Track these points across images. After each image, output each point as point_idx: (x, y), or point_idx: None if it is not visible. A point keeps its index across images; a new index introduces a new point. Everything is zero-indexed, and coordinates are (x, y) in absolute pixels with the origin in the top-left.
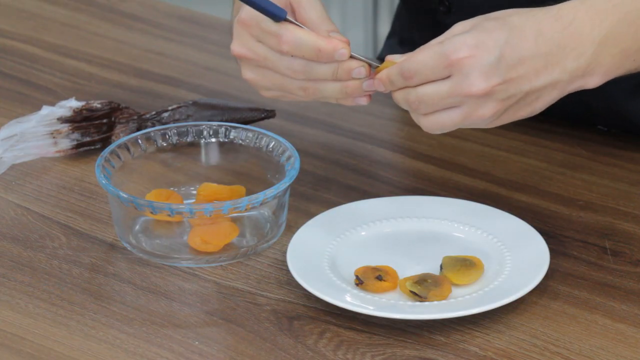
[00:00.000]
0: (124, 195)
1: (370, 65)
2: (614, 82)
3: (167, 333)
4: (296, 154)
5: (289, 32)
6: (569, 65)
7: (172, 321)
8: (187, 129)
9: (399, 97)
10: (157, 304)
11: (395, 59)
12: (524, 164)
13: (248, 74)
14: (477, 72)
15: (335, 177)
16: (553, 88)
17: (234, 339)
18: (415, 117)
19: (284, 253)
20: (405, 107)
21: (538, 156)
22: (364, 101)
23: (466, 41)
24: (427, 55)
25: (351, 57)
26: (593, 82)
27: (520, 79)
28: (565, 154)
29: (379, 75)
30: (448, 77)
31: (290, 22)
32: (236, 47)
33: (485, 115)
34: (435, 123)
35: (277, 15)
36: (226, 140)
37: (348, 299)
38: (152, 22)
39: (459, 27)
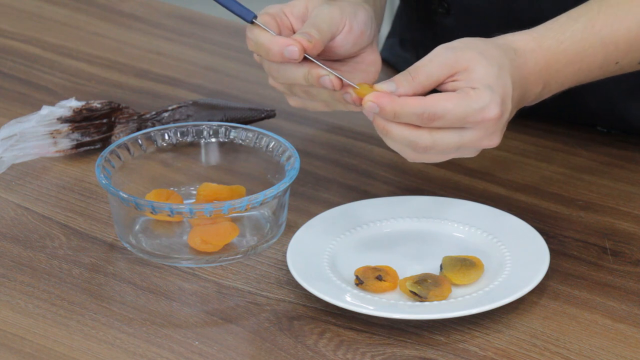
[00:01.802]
0: (124, 195)
1: (341, 79)
2: (613, 82)
3: (167, 333)
4: (296, 154)
5: (251, 33)
6: (522, 104)
7: (172, 321)
8: (187, 129)
9: (401, 133)
10: (157, 304)
11: (382, 89)
12: (524, 164)
13: (270, 81)
14: (500, 131)
15: (335, 177)
16: None
17: (234, 339)
18: (403, 150)
19: (284, 253)
20: (401, 142)
21: (538, 156)
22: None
23: (496, 100)
24: (457, 105)
25: (310, 60)
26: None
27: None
28: (565, 154)
29: (382, 104)
30: (464, 127)
31: (258, 25)
32: (255, 56)
33: (470, 156)
34: (426, 160)
35: (244, 18)
36: (226, 140)
37: (348, 299)
38: (152, 22)
39: (463, 57)
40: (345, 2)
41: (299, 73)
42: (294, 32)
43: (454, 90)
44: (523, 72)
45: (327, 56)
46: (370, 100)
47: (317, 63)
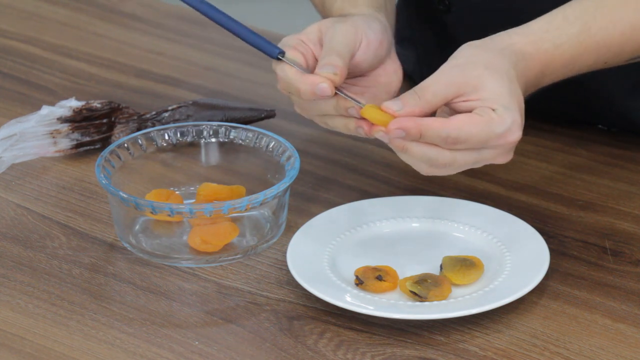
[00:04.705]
0: (124, 195)
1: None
2: (613, 81)
3: (167, 333)
4: (296, 154)
5: (280, 72)
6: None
7: (172, 321)
8: (187, 129)
9: (422, 151)
10: (157, 304)
11: (389, 108)
12: (524, 164)
13: (296, 109)
14: (513, 147)
15: (335, 177)
16: None
17: (234, 339)
18: (418, 165)
19: (284, 253)
20: (420, 159)
21: (538, 156)
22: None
23: (518, 122)
24: (481, 130)
25: (337, 93)
26: None
27: None
28: (565, 154)
29: (407, 128)
30: (484, 147)
31: (284, 61)
32: (278, 86)
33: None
34: (440, 174)
35: (269, 54)
36: (226, 140)
37: (348, 299)
38: (152, 22)
39: (471, 69)
40: (356, 16)
41: (330, 105)
42: (316, 59)
43: (470, 111)
44: (525, 76)
45: (350, 73)
46: (396, 128)
47: (343, 95)
